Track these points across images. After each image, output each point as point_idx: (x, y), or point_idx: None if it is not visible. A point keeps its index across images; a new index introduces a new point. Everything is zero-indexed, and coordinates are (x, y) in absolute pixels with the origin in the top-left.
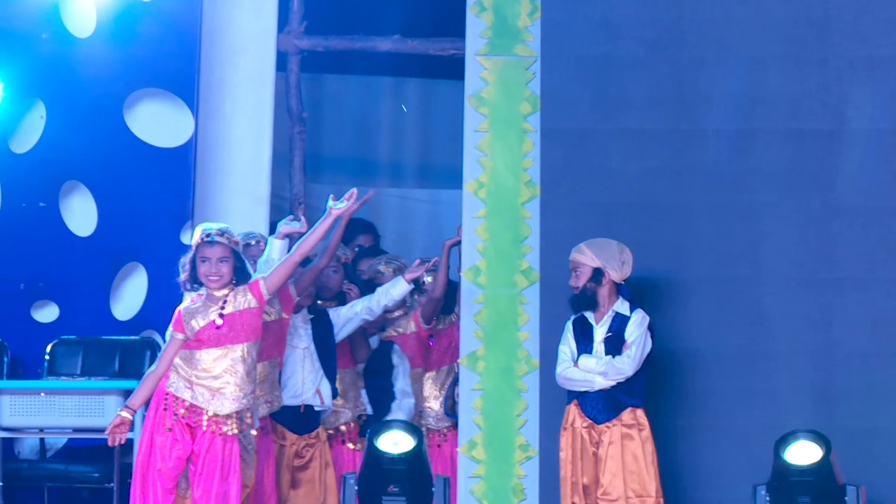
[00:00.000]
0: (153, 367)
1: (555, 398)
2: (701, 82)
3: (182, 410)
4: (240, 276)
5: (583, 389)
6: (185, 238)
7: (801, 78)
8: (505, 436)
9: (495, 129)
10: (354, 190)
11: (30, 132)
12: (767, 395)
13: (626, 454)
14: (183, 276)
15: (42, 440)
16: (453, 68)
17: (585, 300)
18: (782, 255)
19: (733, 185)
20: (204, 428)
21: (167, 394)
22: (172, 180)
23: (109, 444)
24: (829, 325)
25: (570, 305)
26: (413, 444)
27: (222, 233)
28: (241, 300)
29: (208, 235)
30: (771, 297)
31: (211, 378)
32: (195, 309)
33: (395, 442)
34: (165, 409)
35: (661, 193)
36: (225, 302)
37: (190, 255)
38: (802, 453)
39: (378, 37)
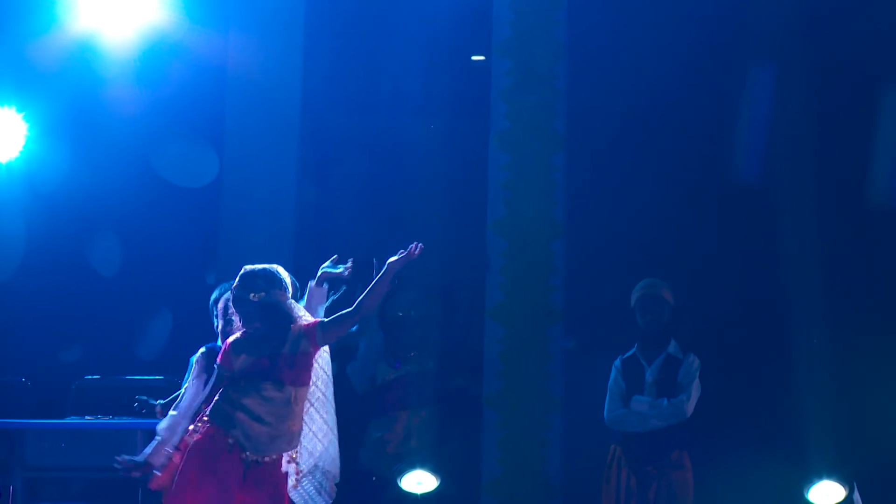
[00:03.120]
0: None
1: (578, 437)
2: (724, 115)
3: (226, 450)
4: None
5: (634, 430)
6: (210, 278)
7: None
8: (529, 475)
9: (520, 167)
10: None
11: (56, 173)
12: (792, 436)
13: (662, 496)
14: (221, 325)
15: (65, 479)
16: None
17: (662, 338)
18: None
19: (758, 218)
20: (248, 468)
21: (212, 432)
22: (197, 221)
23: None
24: (854, 368)
25: (642, 340)
26: (436, 484)
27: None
28: (298, 343)
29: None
30: (797, 336)
31: (254, 420)
32: (242, 342)
33: (418, 482)
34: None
35: (687, 229)
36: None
37: (225, 300)
38: (826, 494)
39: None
